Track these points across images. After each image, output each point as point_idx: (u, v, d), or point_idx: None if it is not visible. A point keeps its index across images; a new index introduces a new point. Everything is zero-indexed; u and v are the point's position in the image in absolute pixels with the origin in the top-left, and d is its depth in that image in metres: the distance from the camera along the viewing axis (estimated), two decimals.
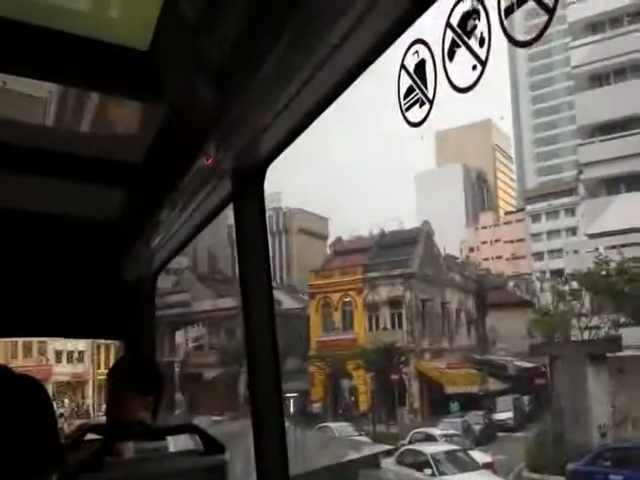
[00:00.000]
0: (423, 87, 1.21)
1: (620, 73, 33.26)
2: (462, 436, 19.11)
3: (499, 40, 1.07)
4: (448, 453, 15.13)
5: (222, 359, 31.73)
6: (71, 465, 1.35)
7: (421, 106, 1.21)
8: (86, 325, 2.83)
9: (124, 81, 1.66)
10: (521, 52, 78.03)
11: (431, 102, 1.20)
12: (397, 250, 33.21)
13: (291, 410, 28.70)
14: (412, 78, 1.22)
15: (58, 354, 36.53)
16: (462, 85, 1.12)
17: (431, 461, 14.47)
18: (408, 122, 1.23)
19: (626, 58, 32.21)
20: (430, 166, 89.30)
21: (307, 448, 12.49)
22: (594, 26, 35.15)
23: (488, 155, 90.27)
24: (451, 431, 19.28)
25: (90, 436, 1.61)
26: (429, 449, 15.31)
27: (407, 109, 1.23)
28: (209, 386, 31.49)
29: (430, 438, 18.03)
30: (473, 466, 14.73)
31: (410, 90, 1.23)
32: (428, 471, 14.30)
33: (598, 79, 34.12)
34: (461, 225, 66.47)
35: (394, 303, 31.60)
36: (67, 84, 1.85)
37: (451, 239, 46.76)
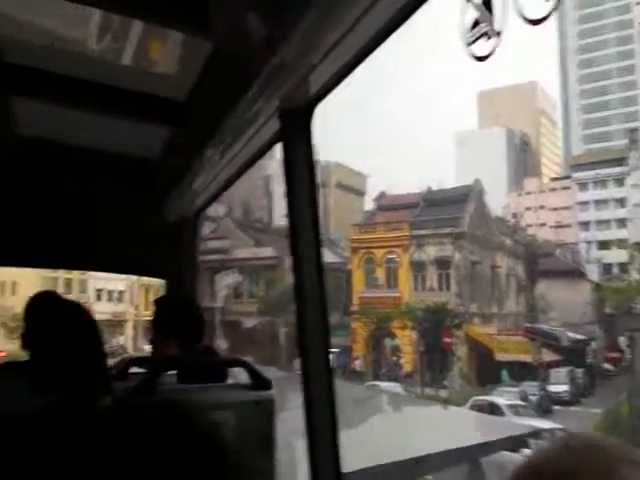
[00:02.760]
0: (490, 20, 1.28)
1: None
2: (528, 407, 18.03)
3: None
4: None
5: (261, 308, 31.13)
6: (120, 391, 1.47)
7: (488, 39, 1.29)
8: (129, 261, 2.81)
9: (174, 13, 1.61)
10: (571, 13, 74.54)
11: (498, 35, 1.26)
12: (446, 208, 31.66)
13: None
14: (479, 10, 1.30)
15: (98, 293, 36.22)
16: (533, 17, 1.28)
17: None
18: (473, 56, 1.32)
19: None
20: (471, 127, 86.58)
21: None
22: None
23: (533, 119, 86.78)
24: (516, 401, 18.17)
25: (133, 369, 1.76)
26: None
27: (472, 42, 1.31)
28: (248, 334, 30.98)
29: (495, 408, 16.90)
30: None
31: (475, 24, 1.32)
32: None
33: None
34: (503, 190, 64.24)
35: (442, 263, 30.28)
36: (115, 10, 1.78)
37: (493, 204, 45.17)
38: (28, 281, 34.75)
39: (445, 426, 10.03)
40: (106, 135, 2.45)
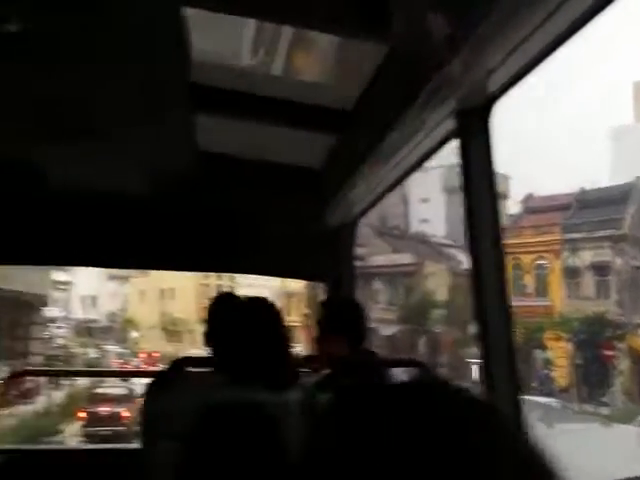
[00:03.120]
0: None
1: None
2: None
3: None
4: None
5: (400, 315, 30.68)
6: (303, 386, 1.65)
7: None
8: (292, 265, 2.96)
9: (350, 18, 1.64)
10: None
11: None
12: (602, 208, 28.84)
13: (474, 377, 26.74)
14: None
15: None
16: None
17: None
18: None
19: None
20: (627, 121, 78.69)
21: None
22: None
23: None
24: None
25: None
26: None
27: None
28: (386, 342, 30.70)
29: None
30: None
31: None
32: None
33: None
34: None
35: (600, 268, 27.57)
36: (291, 22, 1.83)
37: None
38: (184, 288, 37.89)
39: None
40: (272, 146, 2.60)
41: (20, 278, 23.02)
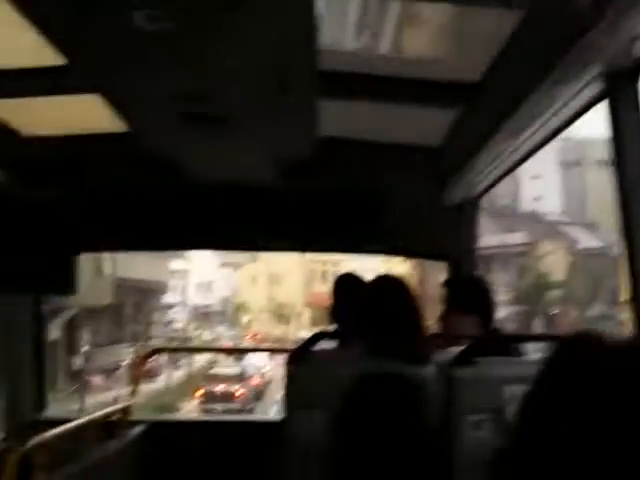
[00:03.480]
0: None
1: None
2: None
3: None
4: None
5: (515, 297, 29.25)
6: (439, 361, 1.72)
7: None
8: (411, 245, 2.98)
9: None
10: None
11: None
12: None
13: None
14: None
15: None
16: None
17: None
18: None
19: None
20: None
21: None
22: None
23: None
24: None
25: None
26: None
27: None
28: (499, 323, 29.44)
29: None
30: None
31: None
32: None
33: None
34: None
35: None
36: None
37: None
38: (292, 273, 38.76)
39: None
40: (391, 127, 2.58)
41: (143, 267, 24.68)
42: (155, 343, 25.51)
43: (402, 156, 2.74)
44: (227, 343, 31.49)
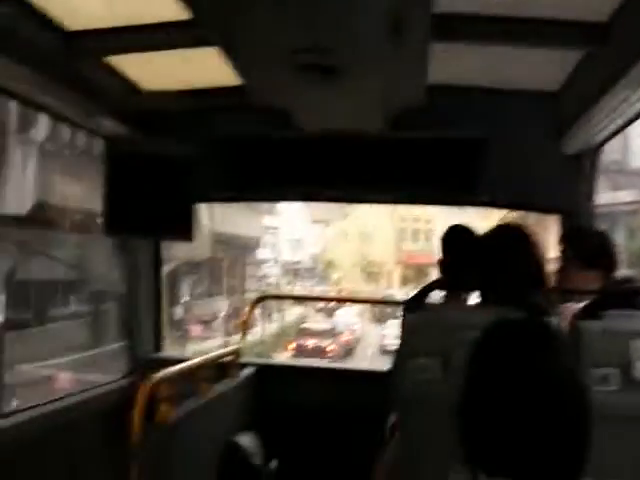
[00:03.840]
0: None
1: None
2: None
3: None
4: None
5: (624, 258, 27.35)
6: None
7: None
8: (523, 196, 2.88)
9: None
10: None
11: None
12: None
13: None
14: None
15: None
16: None
17: None
18: None
19: None
20: None
21: None
22: None
23: None
24: None
25: None
26: None
27: None
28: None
29: None
30: None
31: None
32: None
33: None
34: None
35: None
36: None
37: None
38: (382, 231, 38.50)
39: None
40: (506, 72, 2.49)
41: (239, 223, 25.40)
42: (250, 296, 26.40)
43: (517, 102, 2.66)
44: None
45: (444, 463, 1.12)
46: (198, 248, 21.18)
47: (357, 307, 28.73)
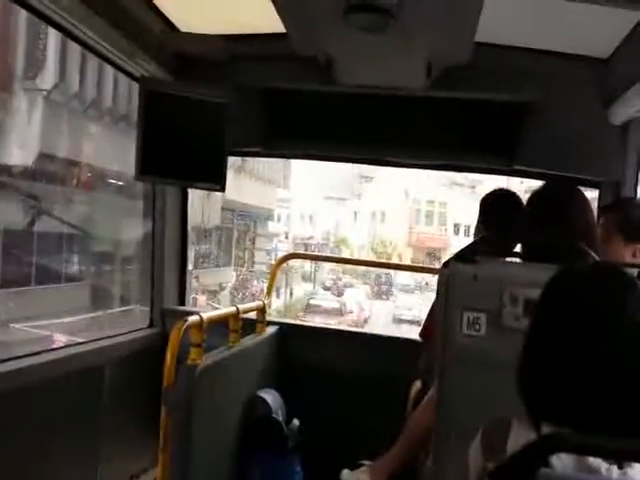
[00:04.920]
0: None
1: None
2: None
3: None
4: None
5: None
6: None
7: None
8: (565, 165, 2.74)
9: None
10: None
11: None
12: None
13: None
14: None
15: (456, 227, 36.95)
16: None
17: None
18: None
19: None
20: None
21: None
22: None
23: None
24: None
25: None
26: None
27: None
28: None
29: None
30: None
31: None
32: None
33: None
34: None
35: None
36: None
37: None
38: (394, 211, 38.01)
39: None
40: (554, 34, 2.45)
41: (251, 192, 24.94)
42: (260, 269, 26.06)
43: (565, 67, 2.58)
44: (328, 276, 31.77)
45: (498, 415, 1.12)
46: (207, 215, 20.77)
47: (363, 287, 28.71)
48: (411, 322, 20.39)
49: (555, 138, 2.66)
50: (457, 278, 1.68)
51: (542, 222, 1.87)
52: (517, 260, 2.21)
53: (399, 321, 22.71)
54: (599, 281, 0.99)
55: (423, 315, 2.69)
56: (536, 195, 1.97)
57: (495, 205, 2.55)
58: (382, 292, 30.01)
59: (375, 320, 23.27)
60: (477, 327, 1.63)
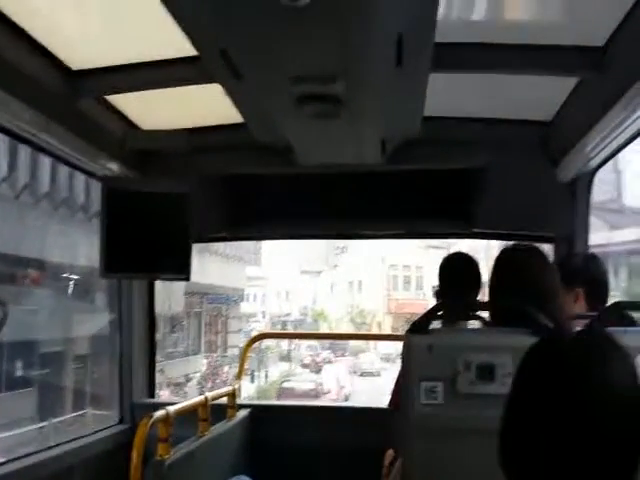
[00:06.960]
0: None
1: None
2: None
3: None
4: None
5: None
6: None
7: None
8: (518, 224, 2.87)
9: None
10: None
11: None
12: None
13: None
14: None
15: (434, 289, 36.28)
16: None
17: None
18: None
19: None
20: None
21: None
22: None
23: None
24: None
25: None
26: None
27: None
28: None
29: None
30: None
31: None
32: None
33: None
34: None
35: None
36: None
37: None
38: (371, 278, 37.43)
39: None
40: (499, 102, 2.60)
41: (218, 272, 23.85)
42: (231, 353, 24.64)
43: (512, 132, 2.71)
44: (306, 352, 30.50)
45: None
46: (170, 301, 19.56)
47: (344, 362, 27.38)
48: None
49: (508, 199, 2.78)
50: (412, 349, 1.67)
51: (503, 288, 1.89)
52: (474, 323, 2.30)
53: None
54: (584, 348, 0.99)
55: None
56: (496, 261, 1.98)
57: (448, 272, 2.60)
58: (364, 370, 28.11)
59: (357, 397, 21.70)
60: (434, 396, 1.60)
